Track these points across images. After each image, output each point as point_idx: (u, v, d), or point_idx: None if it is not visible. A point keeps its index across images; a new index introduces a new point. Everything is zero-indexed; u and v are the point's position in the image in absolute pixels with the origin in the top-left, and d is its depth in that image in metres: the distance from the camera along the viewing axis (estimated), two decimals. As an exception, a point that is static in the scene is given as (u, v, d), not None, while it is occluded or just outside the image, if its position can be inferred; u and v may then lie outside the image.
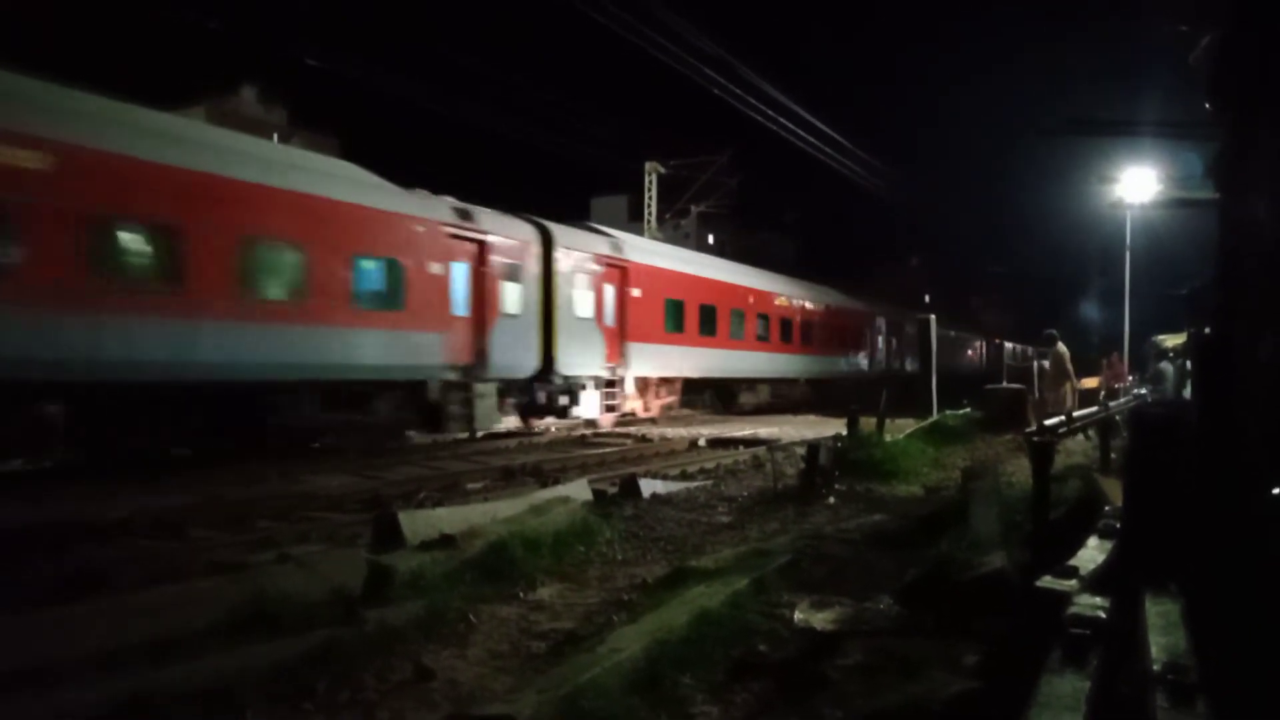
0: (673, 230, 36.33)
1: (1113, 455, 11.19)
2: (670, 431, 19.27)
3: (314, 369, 13.37)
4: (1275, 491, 3.25)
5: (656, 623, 4.59)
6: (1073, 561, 3.38)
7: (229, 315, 12.14)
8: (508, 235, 17.50)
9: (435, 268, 15.48)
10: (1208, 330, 3.89)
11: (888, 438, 13.16)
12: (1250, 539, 3.22)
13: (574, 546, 6.92)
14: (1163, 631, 2.58)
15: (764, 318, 27.47)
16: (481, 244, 16.73)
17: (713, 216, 46.71)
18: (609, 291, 19.96)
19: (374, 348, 14.30)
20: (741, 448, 15.98)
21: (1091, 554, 3.66)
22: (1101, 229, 32.45)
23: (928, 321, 21.80)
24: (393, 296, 14.72)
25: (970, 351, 53.42)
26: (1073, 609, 2.66)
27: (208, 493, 9.96)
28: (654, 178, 34.05)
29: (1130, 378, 28.02)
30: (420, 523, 6.74)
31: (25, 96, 10.56)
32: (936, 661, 4.17)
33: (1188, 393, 18.06)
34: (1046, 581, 3.09)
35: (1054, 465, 7.23)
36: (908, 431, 14.91)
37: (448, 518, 7.00)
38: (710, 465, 13.30)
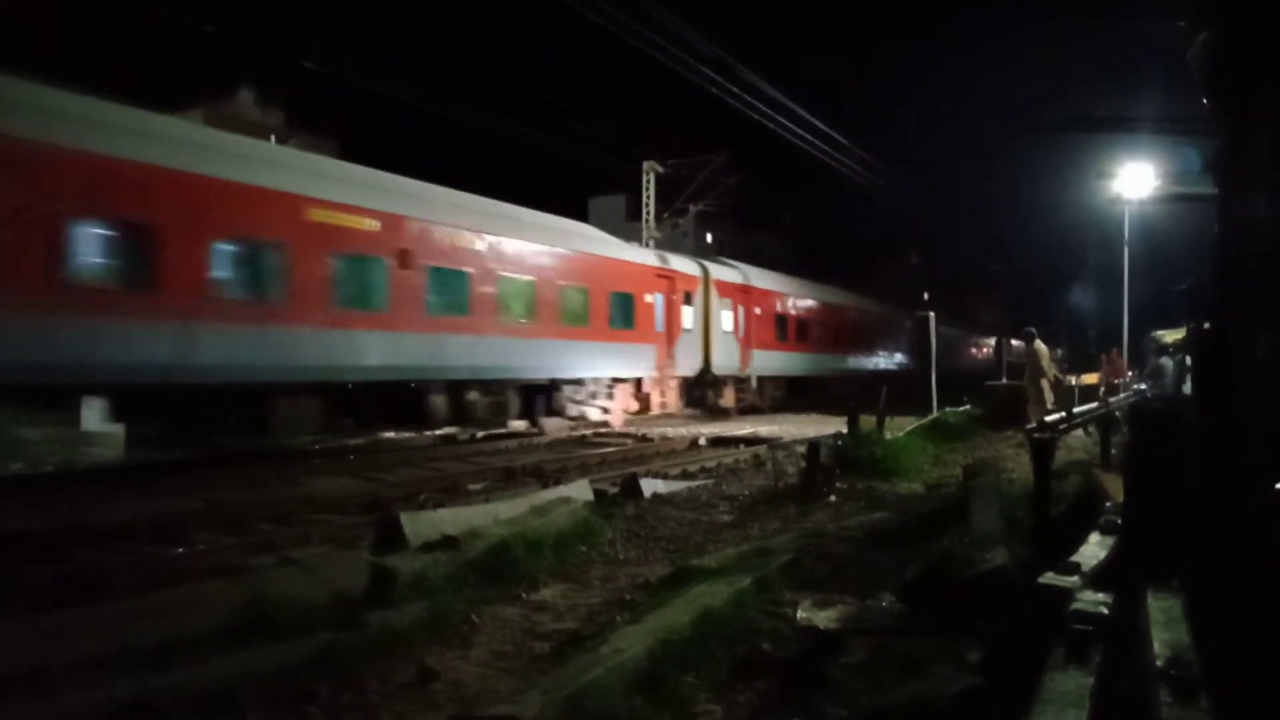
0: (671, 230, 36.24)
1: (1113, 451, 11.20)
2: (671, 431, 19.28)
3: (583, 369, 19.59)
4: (1277, 487, 3.25)
5: (659, 622, 4.59)
6: (1074, 558, 3.37)
7: (552, 335, 18.32)
8: (686, 272, 23.89)
9: (648, 298, 21.90)
10: (1206, 326, 3.90)
11: (888, 435, 13.17)
12: (1251, 534, 3.22)
13: (576, 547, 6.93)
14: (1165, 627, 2.58)
15: (835, 326, 33.61)
16: (671, 280, 23.01)
17: (711, 216, 46.57)
18: (740, 310, 26.40)
19: (618, 355, 20.61)
20: (742, 446, 15.97)
21: (1093, 550, 3.66)
22: (1100, 225, 32.57)
23: (926, 319, 21.83)
24: (629, 319, 21.05)
25: (972, 349, 53.60)
26: (1075, 605, 2.66)
27: (208, 496, 9.96)
28: (652, 177, 33.94)
29: (1130, 373, 28.04)
30: (422, 524, 6.74)
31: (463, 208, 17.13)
32: (939, 659, 4.18)
33: (1187, 388, 18.06)
34: (1048, 578, 3.09)
35: (1054, 461, 7.23)
36: (908, 429, 14.91)
37: (449, 519, 7.00)
38: (711, 464, 13.30)
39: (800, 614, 5.13)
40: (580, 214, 35.50)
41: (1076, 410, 10.21)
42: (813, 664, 4.33)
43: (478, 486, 11.42)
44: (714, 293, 24.96)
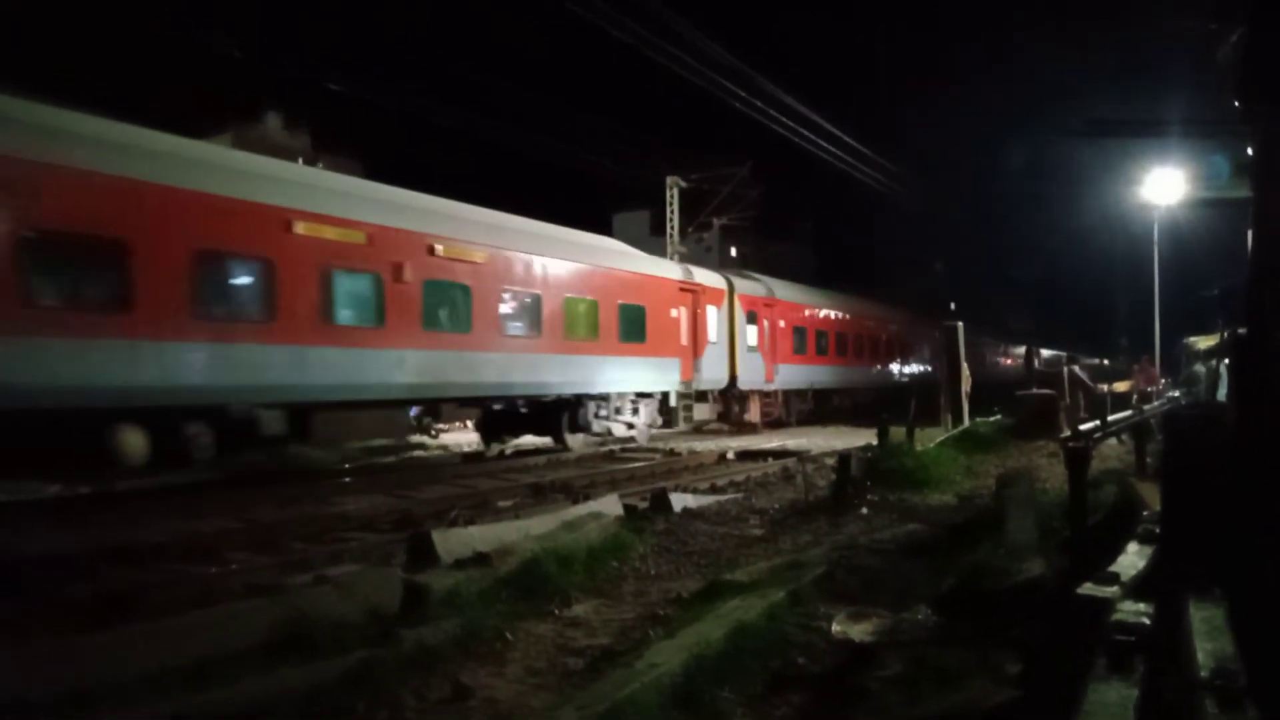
0: (695, 244, 36.29)
1: (1148, 459, 11.05)
2: (699, 445, 19.26)
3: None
4: None
5: (693, 637, 4.58)
6: (1113, 568, 3.34)
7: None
8: (713, 285, 23.18)
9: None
10: (1242, 331, 3.85)
11: (918, 447, 13.07)
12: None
13: (607, 562, 6.93)
14: (1208, 637, 2.56)
15: (859, 338, 33.02)
16: (696, 293, 22.18)
17: (735, 229, 46.60)
18: (765, 325, 25.72)
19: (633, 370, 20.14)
20: (770, 460, 15.93)
21: (1132, 560, 3.62)
22: (1128, 231, 32.24)
23: (954, 329, 21.57)
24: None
25: (1003, 358, 53.10)
26: (1116, 616, 2.64)
27: (241, 516, 10.05)
28: (675, 192, 34.01)
29: (1163, 380, 27.66)
30: (454, 541, 6.77)
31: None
32: (977, 671, 4.13)
33: (1221, 395, 17.78)
34: (1087, 589, 3.06)
35: (1089, 470, 7.14)
36: (938, 440, 14.80)
37: (481, 535, 7.03)
38: (740, 478, 13.26)
39: (835, 627, 5.10)
40: (605, 229, 35.60)
41: (1110, 418, 10.09)
42: (848, 677, 4.30)
43: (507, 503, 11.44)
44: (739, 307, 24.46)
